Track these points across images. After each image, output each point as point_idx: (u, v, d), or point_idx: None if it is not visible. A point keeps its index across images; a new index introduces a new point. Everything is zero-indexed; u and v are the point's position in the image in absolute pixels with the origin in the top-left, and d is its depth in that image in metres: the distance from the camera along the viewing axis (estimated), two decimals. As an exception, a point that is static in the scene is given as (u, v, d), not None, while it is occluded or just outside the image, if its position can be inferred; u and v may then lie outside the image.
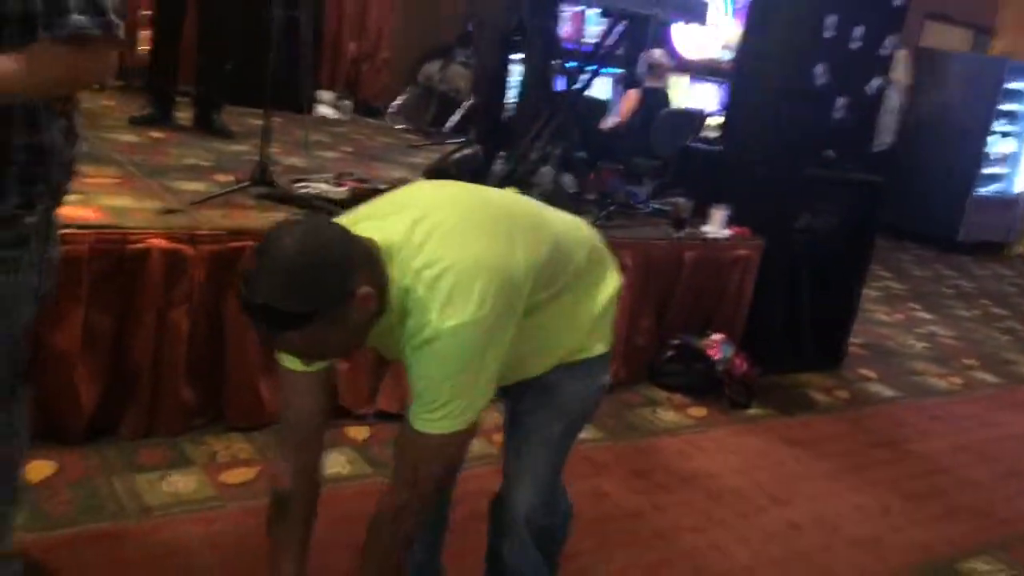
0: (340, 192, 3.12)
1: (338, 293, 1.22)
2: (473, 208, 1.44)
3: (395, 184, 3.50)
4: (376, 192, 3.27)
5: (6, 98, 1.35)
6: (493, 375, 1.35)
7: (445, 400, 1.31)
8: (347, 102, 5.83)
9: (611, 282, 1.59)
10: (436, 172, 3.40)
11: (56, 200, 1.57)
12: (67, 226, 2.34)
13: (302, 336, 1.22)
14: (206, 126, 4.17)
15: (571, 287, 1.50)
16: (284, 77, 3.41)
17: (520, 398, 1.57)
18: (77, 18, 1.29)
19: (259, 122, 4.53)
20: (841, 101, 3.90)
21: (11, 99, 1.36)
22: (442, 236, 1.33)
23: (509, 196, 1.54)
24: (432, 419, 1.32)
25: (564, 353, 1.54)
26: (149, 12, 4.61)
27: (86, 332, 2.41)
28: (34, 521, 2.03)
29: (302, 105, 4.74)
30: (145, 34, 4.77)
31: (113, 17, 1.35)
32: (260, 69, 3.62)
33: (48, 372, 2.37)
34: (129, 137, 3.80)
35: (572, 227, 1.57)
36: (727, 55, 6.79)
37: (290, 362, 1.42)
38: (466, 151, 3.37)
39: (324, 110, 5.63)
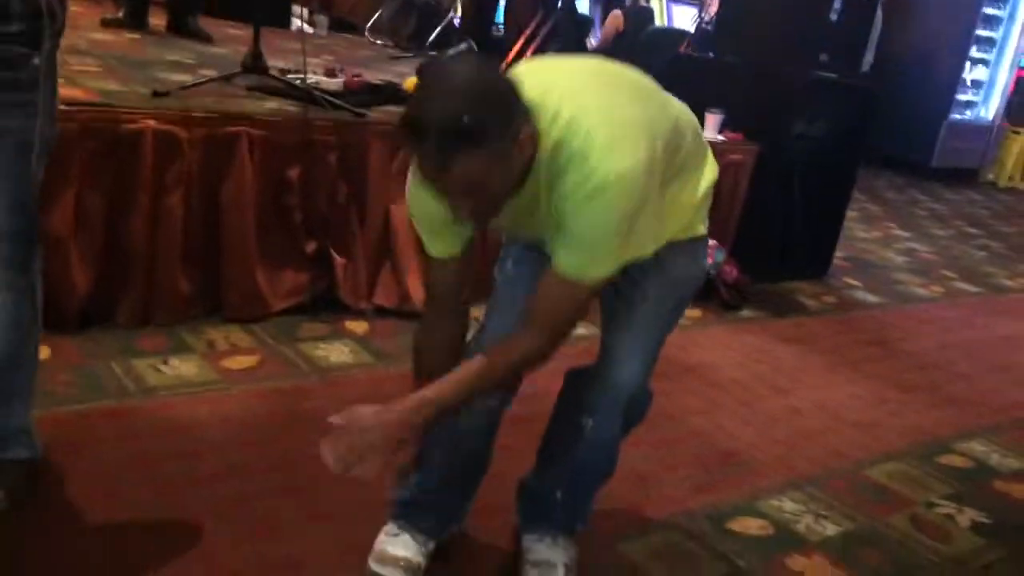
0: (335, 83, 3.02)
1: (510, 120, 1.18)
2: (611, 72, 1.40)
3: (388, 81, 3.43)
4: (371, 87, 3.21)
5: None
6: (643, 232, 1.33)
7: (605, 251, 1.29)
8: (322, 17, 5.65)
9: (711, 168, 1.54)
10: (430, 68, 3.30)
11: (57, 40, 1.50)
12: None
13: (470, 164, 1.15)
14: (181, 29, 4.01)
15: (684, 167, 1.45)
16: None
17: (627, 272, 1.49)
18: None
19: (237, 32, 4.45)
20: (837, 2, 3.85)
21: None
22: (589, 92, 1.30)
23: (636, 72, 1.47)
24: (586, 268, 1.30)
25: (675, 231, 1.49)
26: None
27: (79, 214, 2.32)
28: (35, 399, 1.98)
29: (286, 21, 4.61)
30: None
31: None
32: None
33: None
34: (103, 36, 3.64)
35: (684, 110, 1.51)
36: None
37: (437, 249, 1.44)
38: (460, 47, 3.27)
39: (298, 23, 5.45)
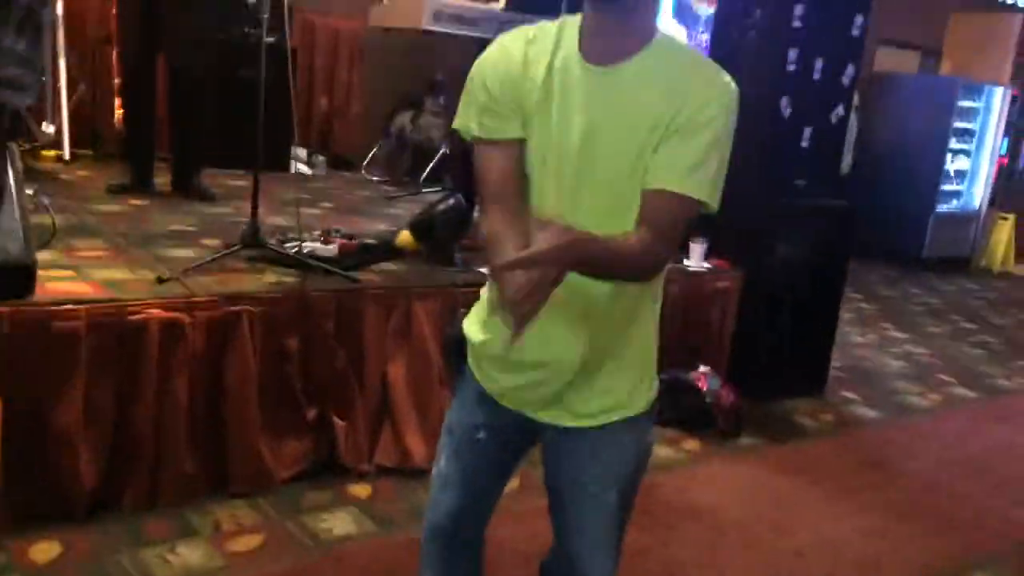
0: (329, 250, 3.15)
1: None
2: None
3: (380, 236, 3.57)
4: (364, 247, 3.34)
5: None
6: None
7: (714, 168, 1.34)
8: (321, 157, 5.88)
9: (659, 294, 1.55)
10: (420, 224, 3.45)
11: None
12: (64, 302, 2.39)
13: None
14: (185, 189, 4.18)
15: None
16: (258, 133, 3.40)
17: (563, 460, 1.53)
18: None
19: (238, 183, 4.63)
20: (808, 131, 4.03)
21: None
22: None
23: None
24: (696, 182, 1.34)
25: (623, 388, 1.50)
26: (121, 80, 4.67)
27: (87, 409, 2.41)
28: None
29: (285, 164, 4.80)
30: (120, 102, 4.80)
31: None
32: (235, 131, 3.69)
33: (49, 451, 2.37)
34: (110, 207, 3.80)
35: None
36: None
37: (487, 130, 1.40)
38: (449, 202, 3.42)
39: (299, 166, 5.66)
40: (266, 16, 3.12)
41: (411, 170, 5.68)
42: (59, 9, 4.55)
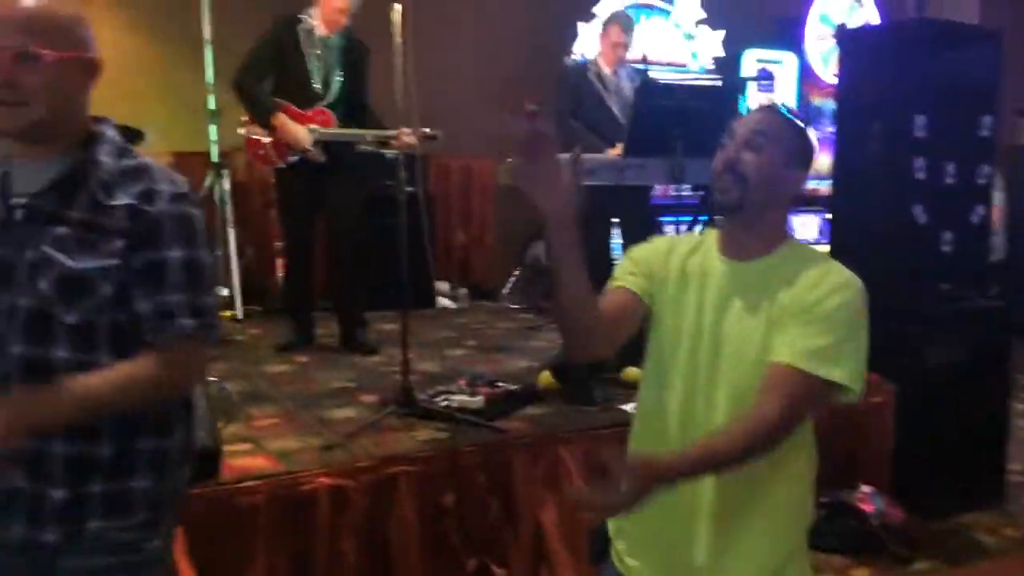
0: (476, 401, 3.32)
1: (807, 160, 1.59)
2: None
3: (522, 380, 3.71)
4: (508, 394, 3.50)
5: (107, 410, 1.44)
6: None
7: (845, 353, 1.43)
8: (463, 290, 6.19)
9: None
10: (558, 365, 3.59)
11: (176, 522, 1.63)
12: (244, 479, 2.66)
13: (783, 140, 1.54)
14: (350, 344, 4.47)
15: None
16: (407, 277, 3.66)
17: None
18: (183, 322, 1.44)
19: (390, 327, 4.92)
20: (947, 235, 3.93)
21: (121, 409, 1.45)
22: None
23: None
24: (819, 361, 1.41)
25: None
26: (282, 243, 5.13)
27: (268, 574, 2.63)
28: None
29: (430, 299, 5.09)
30: (282, 262, 5.27)
31: (213, 320, 1.50)
32: (380, 275, 3.98)
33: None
34: (279, 367, 4.15)
35: None
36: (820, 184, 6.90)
37: (622, 280, 1.60)
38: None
39: (443, 301, 5.98)
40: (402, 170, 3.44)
41: (548, 297, 5.87)
42: (227, 184, 5.13)
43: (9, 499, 1.44)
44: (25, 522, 1.43)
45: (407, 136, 3.71)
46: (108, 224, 1.41)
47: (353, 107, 4.29)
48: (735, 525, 1.52)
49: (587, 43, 6.31)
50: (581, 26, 6.55)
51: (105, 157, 1.45)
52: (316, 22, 4.17)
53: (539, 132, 1.39)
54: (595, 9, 6.61)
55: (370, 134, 4.28)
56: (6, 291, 1.41)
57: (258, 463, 2.80)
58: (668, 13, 7.02)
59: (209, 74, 5.00)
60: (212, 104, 5.04)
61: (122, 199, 1.42)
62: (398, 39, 3.32)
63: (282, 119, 4.10)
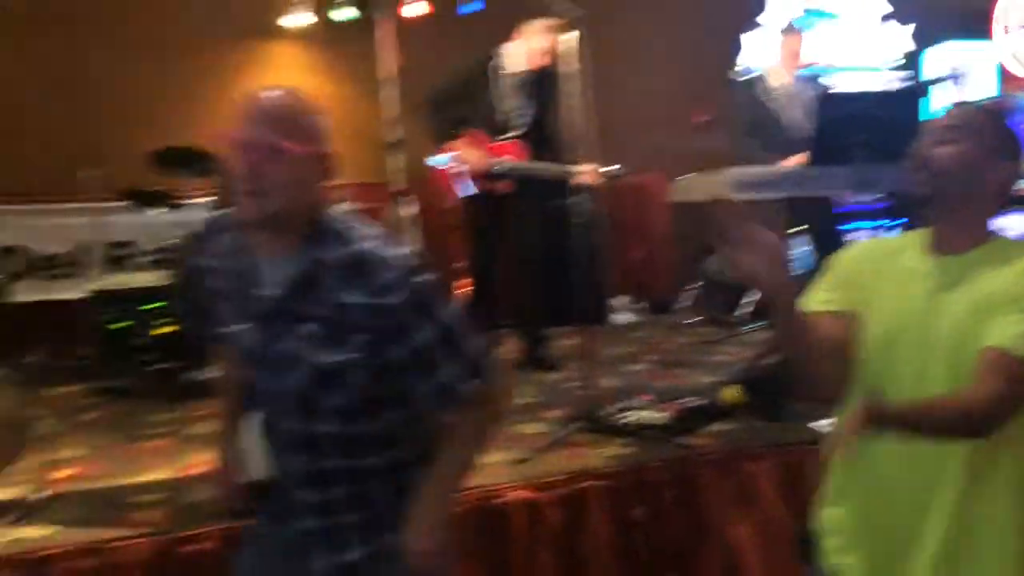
0: (662, 417, 3.35)
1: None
2: None
3: (707, 395, 3.68)
4: (693, 410, 3.49)
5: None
6: None
7: None
8: (639, 305, 6.21)
9: None
10: (746, 380, 3.54)
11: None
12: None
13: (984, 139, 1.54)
14: (533, 360, 4.59)
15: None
16: (584, 292, 3.73)
17: None
18: (465, 388, 1.56)
19: (568, 342, 5.02)
20: None
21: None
22: None
23: None
24: None
25: None
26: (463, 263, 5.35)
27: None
28: None
29: (604, 316, 5.14)
30: (465, 283, 5.50)
31: (483, 360, 1.59)
32: (558, 292, 4.07)
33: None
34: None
35: None
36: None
37: (820, 300, 1.64)
38: (773, 356, 3.48)
39: (619, 317, 6.03)
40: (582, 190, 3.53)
41: (726, 310, 5.79)
42: (407, 211, 5.41)
43: (305, 539, 1.64)
44: (327, 551, 1.64)
45: (590, 175, 3.80)
46: (348, 320, 1.49)
47: (543, 138, 4.39)
48: (966, 535, 1.50)
49: (752, 54, 6.20)
50: (744, 37, 6.44)
51: (332, 253, 1.51)
52: (514, 58, 4.33)
53: (732, 213, 1.43)
54: (759, 19, 6.48)
55: (555, 170, 4.23)
56: (271, 374, 1.57)
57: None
58: (836, 15, 6.76)
59: (390, 107, 5.33)
60: (395, 136, 5.36)
61: (358, 298, 1.48)
62: (575, 66, 3.42)
63: (465, 146, 4.30)
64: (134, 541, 2.54)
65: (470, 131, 4.33)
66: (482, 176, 4.32)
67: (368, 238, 1.54)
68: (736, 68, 6.05)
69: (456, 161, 4.35)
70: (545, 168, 4.30)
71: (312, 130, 1.51)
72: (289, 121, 1.48)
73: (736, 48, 6.47)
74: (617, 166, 4.05)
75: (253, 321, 1.57)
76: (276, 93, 1.52)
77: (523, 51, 4.32)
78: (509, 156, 4.32)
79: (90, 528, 2.64)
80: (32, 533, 2.60)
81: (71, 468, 3.20)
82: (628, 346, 5.21)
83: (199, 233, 1.71)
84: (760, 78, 4.21)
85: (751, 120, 4.06)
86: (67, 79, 5.61)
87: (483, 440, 1.69)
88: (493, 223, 4.47)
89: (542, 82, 4.34)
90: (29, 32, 5.49)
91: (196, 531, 2.58)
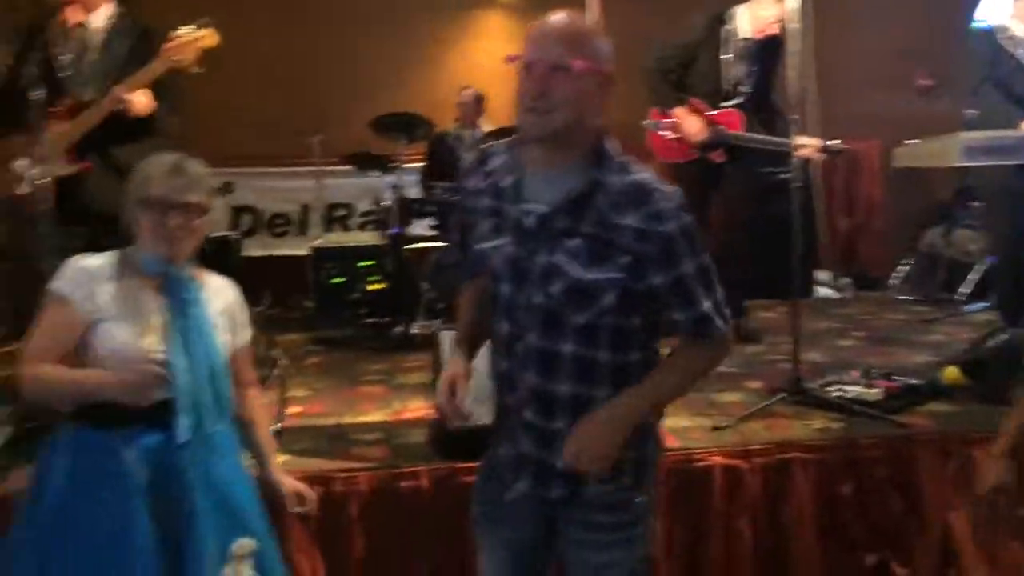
0: (873, 393, 3.19)
1: None
2: None
3: (924, 374, 3.47)
4: (909, 388, 3.30)
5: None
6: None
7: None
8: (846, 279, 5.90)
9: None
10: (970, 362, 3.29)
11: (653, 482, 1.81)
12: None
13: None
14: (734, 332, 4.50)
15: None
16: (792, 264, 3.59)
17: None
18: (717, 324, 1.65)
19: (767, 315, 4.89)
20: None
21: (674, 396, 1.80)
22: None
23: None
24: None
25: None
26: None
27: (668, 541, 2.78)
28: None
29: (811, 289, 4.94)
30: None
31: (726, 311, 1.68)
32: (761, 263, 3.95)
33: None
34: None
35: None
36: None
37: None
38: (1001, 336, 3.22)
39: (823, 291, 5.77)
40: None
41: (945, 287, 5.38)
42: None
43: (520, 462, 1.73)
44: (532, 480, 1.72)
45: (809, 150, 3.64)
46: (616, 240, 1.56)
47: (761, 106, 4.26)
48: None
49: (993, 5, 5.64)
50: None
51: (612, 177, 1.59)
52: (742, 24, 4.20)
53: None
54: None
55: (771, 142, 4.08)
56: (522, 288, 1.63)
57: (656, 438, 2.97)
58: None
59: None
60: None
61: (630, 220, 1.55)
62: (795, 26, 3.27)
63: (682, 114, 4.21)
64: (357, 473, 2.76)
65: (691, 97, 4.23)
66: (697, 145, 4.24)
67: (643, 171, 1.62)
68: (975, 22, 5.54)
69: (671, 128, 4.29)
70: (764, 140, 4.16)
71: (596, 49, 1.57)
72: (575, 40, 1.55)
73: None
74: (838, 141, 3.80)
75: (514, 235, 1.63)
76: (561, 16, 1.59)
77: (748, 17, 4.19)
78: (726, 125, 4.20)
79: (318, 458, 2.90)
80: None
81: (297, 406, 3.50)
82: (833, 321, 4.98)
83: (472, 160, 1.81)
84: (997, 31, 3.84)
85: (990, 77, 3.71)
86: (297, 54, 6.07)
87: (697, 378, 1.76)
88: (703, 191, 4.38)
89: (766, 50, 4.18)
90: (263, 11, 5.98)
91: (413, 468, 2.76)
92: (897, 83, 5.65)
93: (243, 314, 2.09)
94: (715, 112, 4.20)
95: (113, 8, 3.34)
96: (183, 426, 1.85)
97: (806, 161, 3.59)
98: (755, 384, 3.59)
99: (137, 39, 3.31)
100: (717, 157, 4.20)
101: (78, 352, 1.89)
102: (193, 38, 3.16)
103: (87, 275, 1.89)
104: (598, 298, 1.58)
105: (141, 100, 3.14)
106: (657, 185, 1.59)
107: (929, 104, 5.63)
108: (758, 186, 4.29)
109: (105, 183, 3.05)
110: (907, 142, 4.09)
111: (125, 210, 1.93)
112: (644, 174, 1.61)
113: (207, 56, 3.21)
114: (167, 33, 3.19)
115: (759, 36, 4.15)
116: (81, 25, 3.29)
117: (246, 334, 2.11)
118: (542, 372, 1.65)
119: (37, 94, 2.98)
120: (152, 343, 1.87)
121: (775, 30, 4.08)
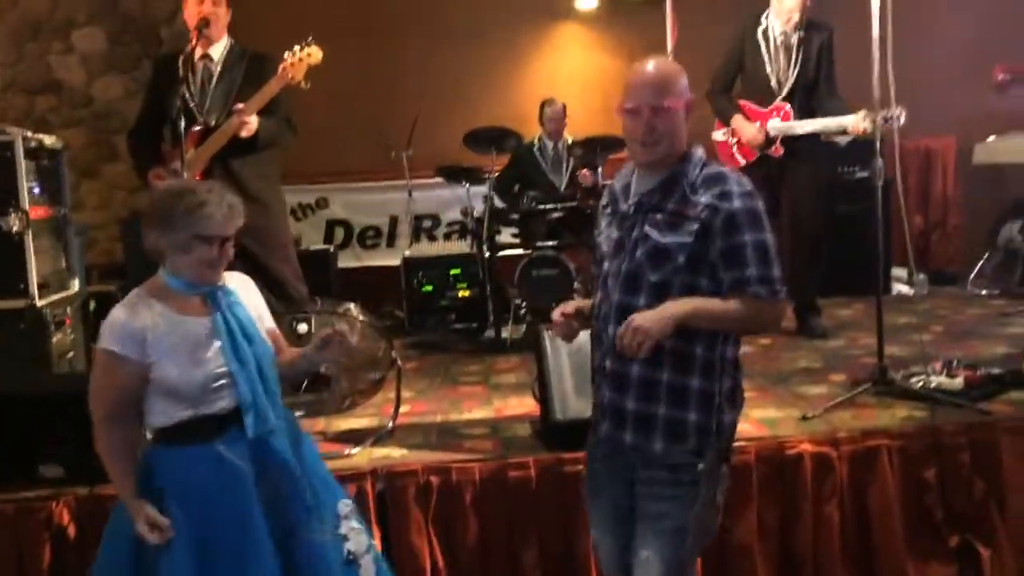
0: (956, 383, 3.32)
1: None
2: None
3: (1005, 364, 3.57)
4: (992, 377, 3.42)
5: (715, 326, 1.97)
6: None
7: None
8: (921, 276, 5.94)
9: None
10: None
11: (725, 452, 2.08)
12: (738, 439, 3.02)
13: None
14: (804, 329, 4.65)
15: None
16: (866, 263, 3.74)
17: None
18: (755, 289, 1.92)
19: (842, 312, 5.01)
20: None
21: (716, 327, 1.97)
22: None
23: None
24: None
25: None
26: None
27: (759, 526, 2.97)
28: None
29: (887, 286, 5.01)
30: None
31: (778, 286, 1.94)
32: (835, 261, 4.00)
33: (731, 560, 2.97)
34: (743, 348, 4.47)
35: None
36: None
37: None
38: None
39: (899, 287, 5.83)
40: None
41: (1023, 282, 5.41)
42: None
43: (604, 409, 2.08)
44: (611, 424, 2.07)
45: (861, 122, 3.80)
46: (690, 214, 1.95)
47: (810, 96, 4.45)
48: None
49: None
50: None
51: (692, 169, 2.01)
52: (772, 20, 4.45)
53: None
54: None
55: (824, 123, 4.36)
56: (617, 259, 2.03)
57: (744, 428, 3.15)
58: None
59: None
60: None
61: (703, 198, 1.95)
62: (875, 15, 3.36)
63: (737, 122, 4.49)
64: (470, 464, 3.02)
65: (740, 103, 4.51)
66: (756, 146, 4.45)
67: (720, 166, 2.04)
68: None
69: (730, 135, 4.54)
70: (813, 124, 4.34)
71: (682, 87, 2.01)
72: (666, 85, 1.98)
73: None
74: (896, 108, 3.68)
75: (619, 222, 2.05)
76: (650, 64, 2.02)
77: (776, 11, 4.41)
78: (775, 119, 4.41)
79: (433, 451, 3.17)
80: (392, 453, 3.16)
81: (403, 406, 3.77)
82: (911, 317, 5.05)
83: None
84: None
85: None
86: (387, 71, 6.36)
87: (737, 324, 1.97)
88: (769, 191, 4.55)
89: (808, 38, 4.39)
90: (350, 33, 6.31)
91: (521, 459, 3.01)
92: (971, 78, 5.66)
93: (259, 296, 2.30)
94: (764, 111, 4.44)
95: (227, 40, 3.72)
96: (251, 425, 2.07)
97: (881, 154, 3.68)
98: (839, 377, 3.75)
99: (248, 64, 3.69)
100: (774, 152, 4.42)
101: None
102: (301, 57, 3.49)
103: (131, 328, 2.01)
104: (671, 259, 1.94)
105: (256, 119, 3.49)
106: (730, 174, 1.99)
107: (1006, 99, 5.62)
108: (825, 184, 4.43)
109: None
110: (989, 140, 4.16)
111: (152, 238, 2.04)
112: (721, 168, 2.02)
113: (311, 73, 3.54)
114: (276, 55, 3.54)
115: (788, 28, 4.37)
116: (206, 57, 3.67)
117: (268, 314, 2.29)
118: (619, 323, 1.94)
119: (176, 122, 3.33)
120: (208, 357, 2.04)
121: (794, 19, 4.32)
